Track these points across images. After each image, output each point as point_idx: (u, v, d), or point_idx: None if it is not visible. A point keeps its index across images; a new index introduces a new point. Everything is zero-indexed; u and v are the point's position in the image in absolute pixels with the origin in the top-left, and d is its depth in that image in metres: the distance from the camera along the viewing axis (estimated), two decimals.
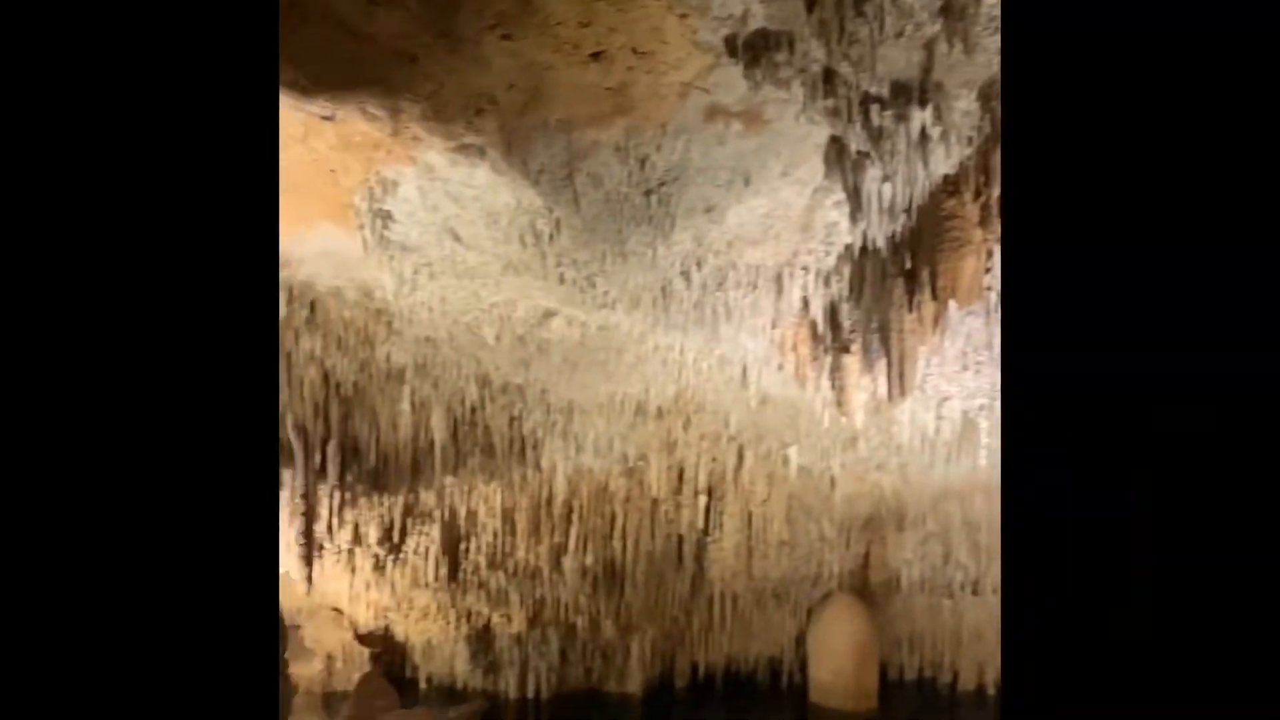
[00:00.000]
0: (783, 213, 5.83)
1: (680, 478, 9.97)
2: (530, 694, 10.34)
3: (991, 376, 6.57)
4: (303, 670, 9.59)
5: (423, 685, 10.39)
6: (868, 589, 10.97)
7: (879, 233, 5.76)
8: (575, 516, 10.00)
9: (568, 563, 10.09)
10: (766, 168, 5.34)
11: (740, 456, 9.76)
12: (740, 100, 4.66)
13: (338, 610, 10.15)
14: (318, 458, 8.52)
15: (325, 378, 7.97)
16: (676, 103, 4.66)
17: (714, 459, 9.79)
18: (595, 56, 4.27)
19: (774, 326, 7.08)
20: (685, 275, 6.77)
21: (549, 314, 7.53)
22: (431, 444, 8.83)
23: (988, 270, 5.52)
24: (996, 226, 5.04)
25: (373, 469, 8.91)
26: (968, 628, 11.15)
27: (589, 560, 10.15)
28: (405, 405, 8.35)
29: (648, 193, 5.51)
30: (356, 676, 9.38)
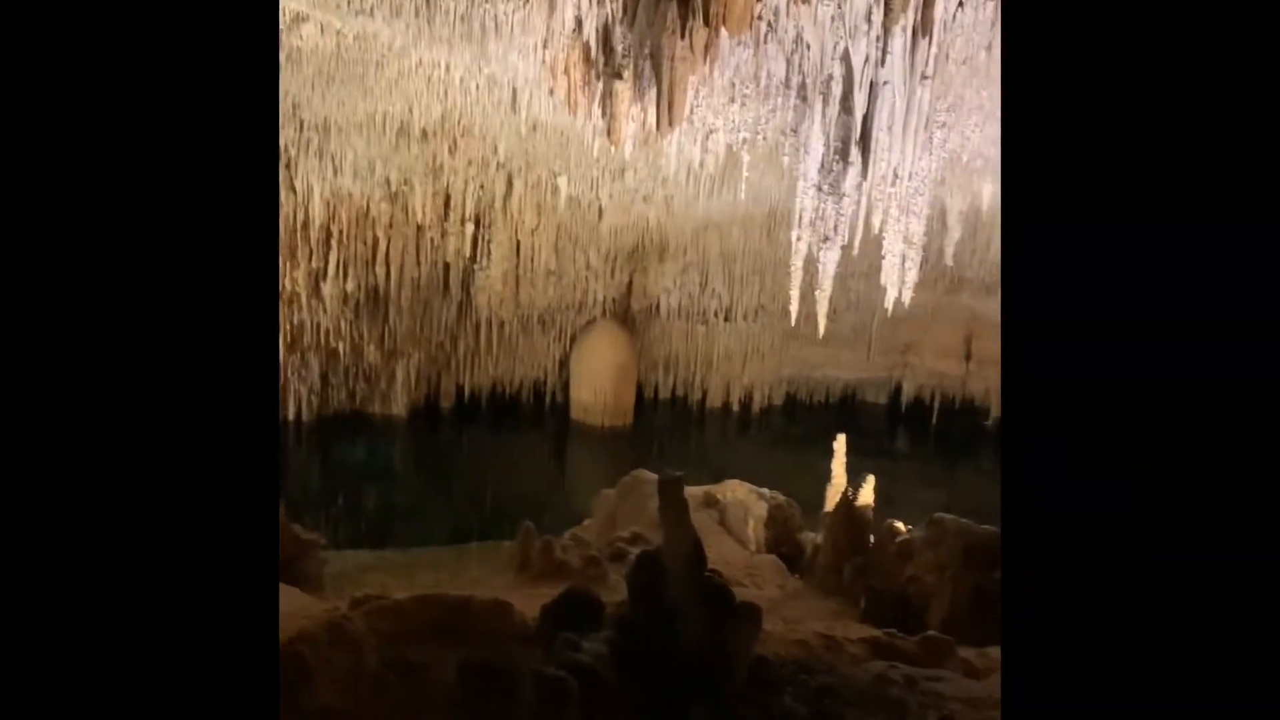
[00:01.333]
0: None
1: (446, 204, 9.73)
2: (290, 417, 10.29)
3: (755, 110, 6.66)
4: None
5: None
6: (629, 315, 11.47)
7: None
8: (334, 242, 9.62)
9: (327, 288, 9.81)
10: None
11: (510, 184, 9.61)
12: None
13: None
14: None
15: None
16: None
17: (482, 186, 9.59)
18: None
19: (545, 47, 6.77)
20: None
21: (299, 18, 6.82)
22: None
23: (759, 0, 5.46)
24: None
25: None
26: (719, 351, 12.02)
27: (350, 286, 9.91)
28: None
29: None
30: None
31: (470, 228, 9.94)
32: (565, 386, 11.55)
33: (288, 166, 8.83)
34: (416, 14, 6.60)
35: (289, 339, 9.94)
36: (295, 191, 9.05)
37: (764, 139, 7.03)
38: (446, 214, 9.79)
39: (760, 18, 5.64)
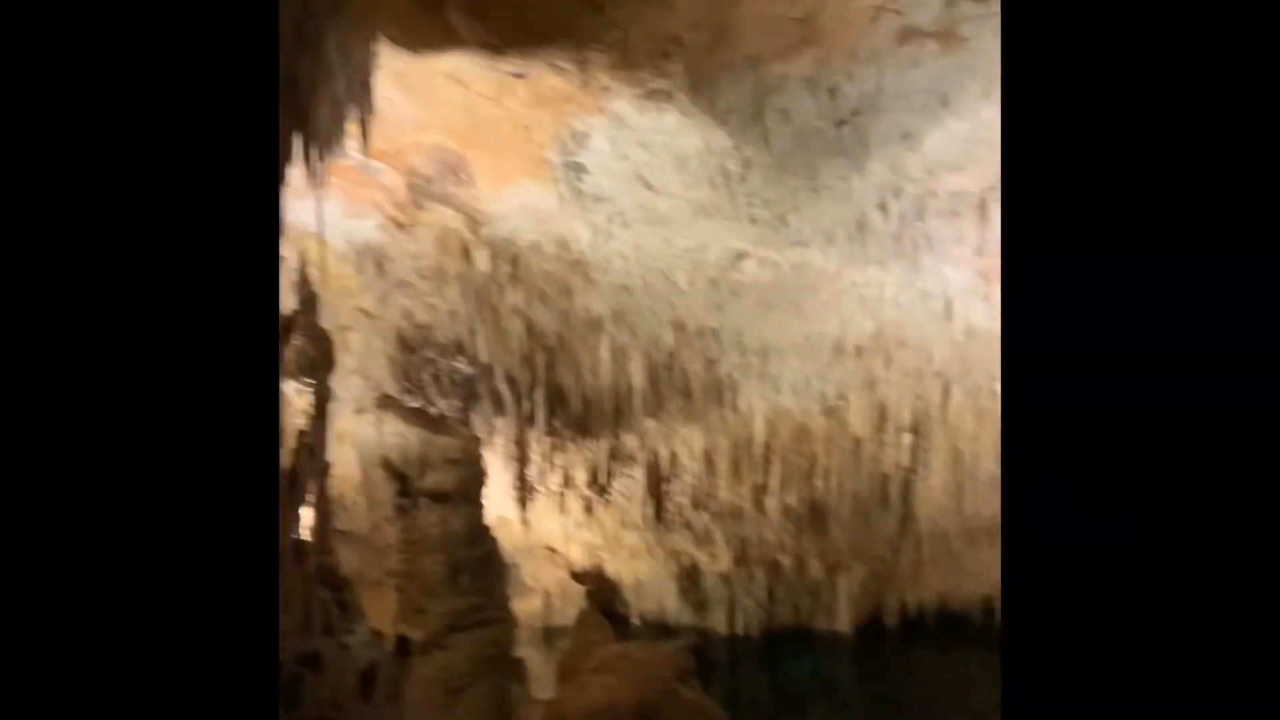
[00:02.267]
0: (984, 135, 5.52)
1: (883, 416, 9.76)
2: (739, 630, 10.53)
3: None
4: (523, 606, 10.16)
5: (635, 621, 10.78)
6: None
7: None
8: (776, 457, 10.01)
9: (771, 503, 10.14)
10: (965, 89, 5.06)
11: (946, 392, 9.44)
12: (935, 19, 4.43)
13: (552, 550, 10.66)
14: (526, 405, 8.91)
15: (529, 329, 8.30)
16: (867, 28, 4.49)
17: (918, 395, 9.52)
18: None
19: (978, 255, 6.76)
20: (882, 207, 6.56)
21: (741, 255, 7.50)
22: (631, 389, 9.04)
23: None
24: None
25: (578, 415, 9.24)
26: None
27: (792, 500, 10.16)
28: (605, 353, 8.58)
29: (840, 124, 5.35)
30: (573, 613, 9.86)
31: (908, 438, 9.84)
32: None
33: (732, 390, 9.47)
34: (849, 239, 6.96)
35: (736, 553, 10.34)
36: (738, 411, 9.64)
37: None
38: (883, 425, 9.81)
39: None
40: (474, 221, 7.01)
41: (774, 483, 10.08)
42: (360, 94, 3.92)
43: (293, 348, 4.96)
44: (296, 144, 3.86)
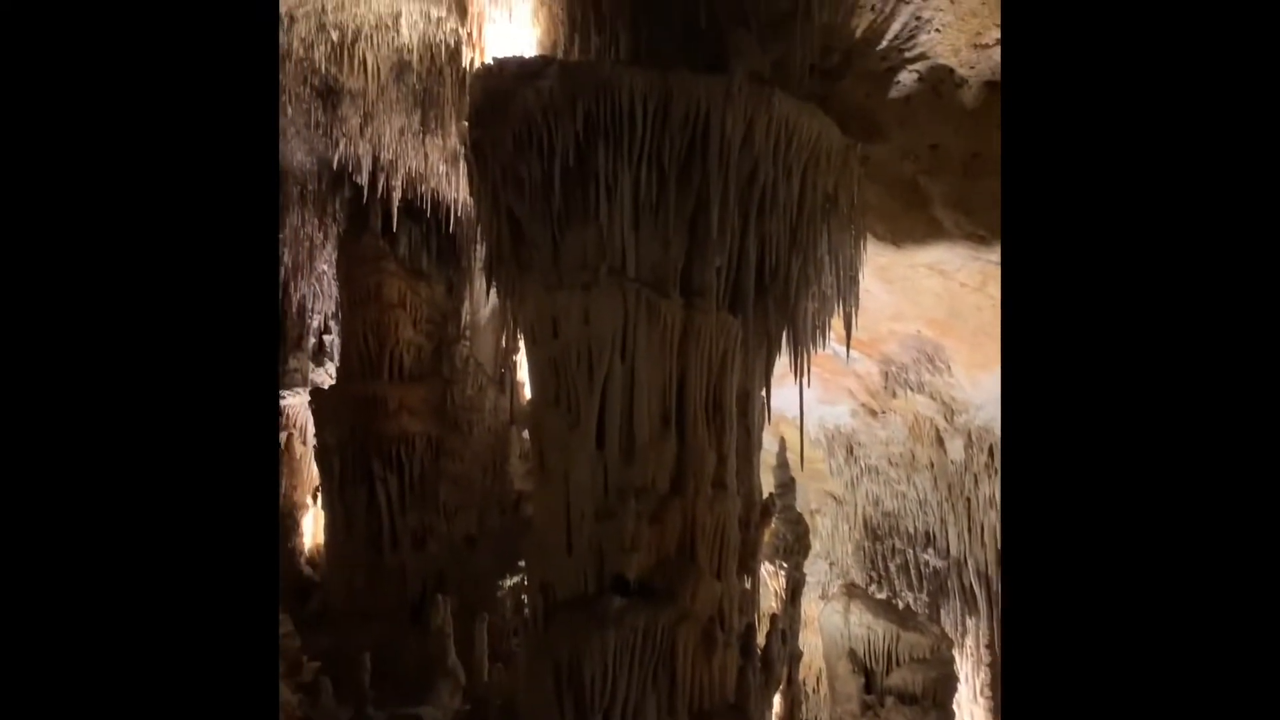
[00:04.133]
0: None
1: None
2: None
3: None
4: None
5: None
6: None
7: None
8: None
9: None
10: None
11: None
12: None
13: None
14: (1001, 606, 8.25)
15: None
16: None
17: None
18: None
19: None
20: None
21: None
22: None
23: None
24: None
25: None
26: None
27: None
28: None
29: None
30: None
31: None
32: None
33: None
34: None
35: None
36: None
37: None
38: None
39: None
40: (949, 409, 6.83)
41: None
42: (846, 289, 4.06)
43: (770, 530, 5.10)
44: (785, 337, 4.07)
